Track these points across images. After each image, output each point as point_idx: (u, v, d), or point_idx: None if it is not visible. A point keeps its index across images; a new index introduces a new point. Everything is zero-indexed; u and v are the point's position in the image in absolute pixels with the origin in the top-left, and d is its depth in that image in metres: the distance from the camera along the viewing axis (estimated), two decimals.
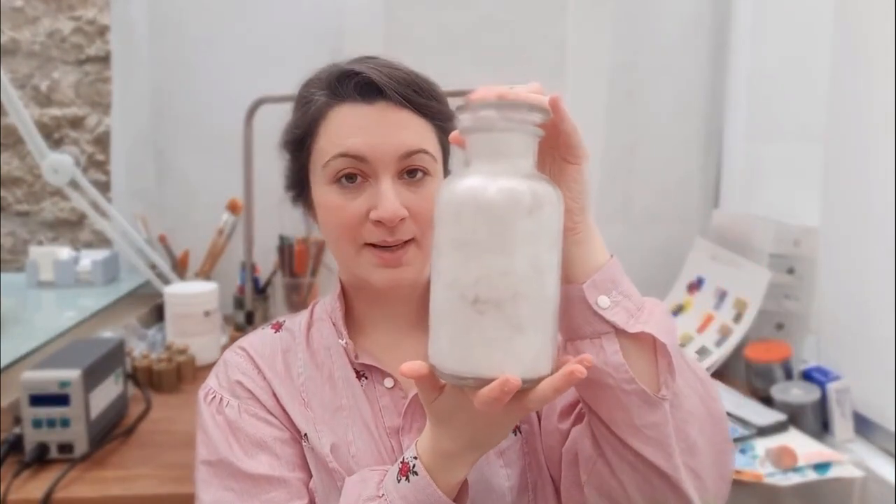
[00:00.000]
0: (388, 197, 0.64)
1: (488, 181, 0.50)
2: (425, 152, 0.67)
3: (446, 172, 0.72)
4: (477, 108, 0.51)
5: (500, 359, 0.49)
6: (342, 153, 0.65)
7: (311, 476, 0.68)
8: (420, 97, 0.67)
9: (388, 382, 0.71)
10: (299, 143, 0.70)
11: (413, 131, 0.67)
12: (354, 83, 0.66)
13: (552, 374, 0.51)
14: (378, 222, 0.65)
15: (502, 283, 0.49)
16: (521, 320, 0.50)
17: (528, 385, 0.50)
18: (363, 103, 0.66)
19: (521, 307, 0.50)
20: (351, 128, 0.66)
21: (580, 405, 0.65)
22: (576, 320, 0.57)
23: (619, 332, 0.56)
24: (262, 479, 0.66)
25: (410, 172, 0.66)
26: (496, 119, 0.51)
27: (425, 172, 0.67)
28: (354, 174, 0.66)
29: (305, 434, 0.68)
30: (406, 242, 0.66)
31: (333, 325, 0.74)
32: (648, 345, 0.57)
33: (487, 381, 0.49)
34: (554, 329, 0.52)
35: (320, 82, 0.69)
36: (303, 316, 0.76)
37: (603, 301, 0.56)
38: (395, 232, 0.65)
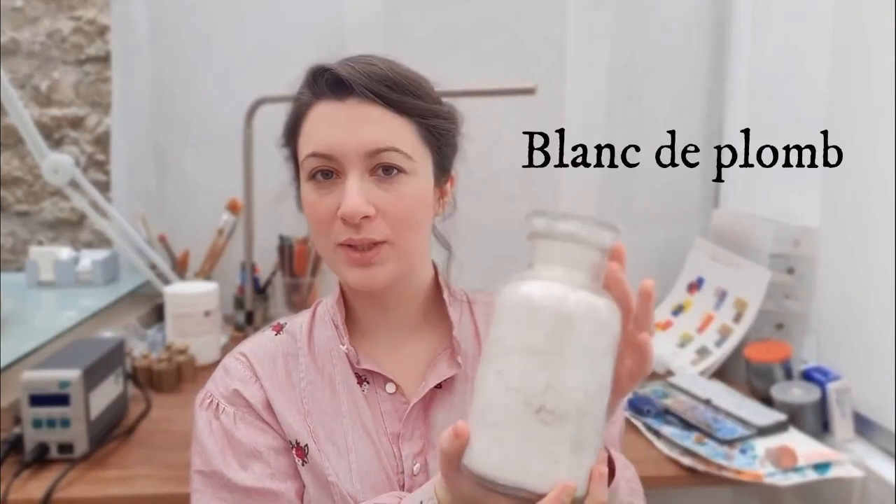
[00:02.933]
0: (351, 194, 0.63)
1: (568, 291, 0.49)
2: (396, 150, 0.65)
3: (440, 172, 0.71)
4: (557, 217, 0.51)
5: (560, 475, 0.48)
6: (313, 152, 0.65)
7: (303, 486, 0.68)
8: (394, 93, 0.65)
9: (390, 388, 0.70)
10: (287, 141, 0.71)
11: (383, 128, 0.65)
12: (325, 80, 0.66)
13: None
14: (343, 219, 0.64)
15: (572, 396, 0.48)
16: (582, 437, 0.49)
17: None
18: (336, 100, 0.65)
19: (585, 424, 0.49)
20: (322, 126, 0.66)
21: None
22: None
23: None
24: (255, 492, 0.66)
25: (386, 170, 0.65)
26: (582, 230, 0.51)
27: (399, 170, 0.65)
28: (329, 171, 0.65)
29: (305, 445, 0.68)
30: (377, 244, 0.65)
31: (335, 328, 0.73)
32: None
33: (541, 496, 0.47)
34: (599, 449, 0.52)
35: (304, 81, 0.69)
36: (304, 317, 0.75)
37: None
38: (360, 230, 0.64)
